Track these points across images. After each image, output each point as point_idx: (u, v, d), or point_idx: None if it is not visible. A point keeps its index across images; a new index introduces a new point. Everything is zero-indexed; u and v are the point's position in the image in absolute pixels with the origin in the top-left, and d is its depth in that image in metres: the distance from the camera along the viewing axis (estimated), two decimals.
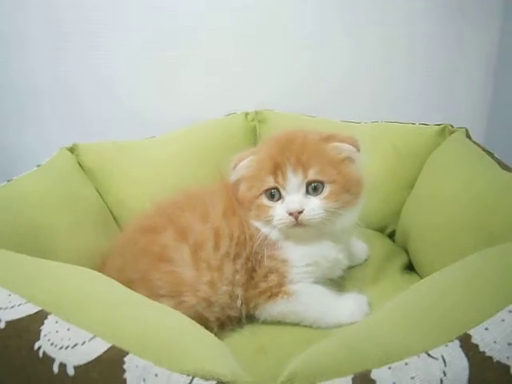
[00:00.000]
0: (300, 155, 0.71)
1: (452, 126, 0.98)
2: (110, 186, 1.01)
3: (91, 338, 0.39)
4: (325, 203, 0.71)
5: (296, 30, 1.26)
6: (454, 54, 1.25)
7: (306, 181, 0.71)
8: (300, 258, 0.73)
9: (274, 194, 0.73)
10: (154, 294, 0.66)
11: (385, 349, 0.37)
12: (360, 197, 0.76)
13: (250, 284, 0.72)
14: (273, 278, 0.72)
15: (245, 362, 0.62)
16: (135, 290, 0.57)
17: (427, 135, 0.99)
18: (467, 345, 0.37)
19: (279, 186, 0.72)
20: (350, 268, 0.86)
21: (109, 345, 0.38)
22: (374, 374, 0.35)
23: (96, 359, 0.37)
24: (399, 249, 0.96)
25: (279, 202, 0.73)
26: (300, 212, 0.69)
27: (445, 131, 0.98)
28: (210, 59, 1.28)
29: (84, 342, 0.39)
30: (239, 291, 0.72)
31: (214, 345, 0.43)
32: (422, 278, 0.84)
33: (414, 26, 1.24)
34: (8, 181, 0.80)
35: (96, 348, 0.38)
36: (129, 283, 0.60)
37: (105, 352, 0.38)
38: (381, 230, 1.04)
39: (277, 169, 0.72)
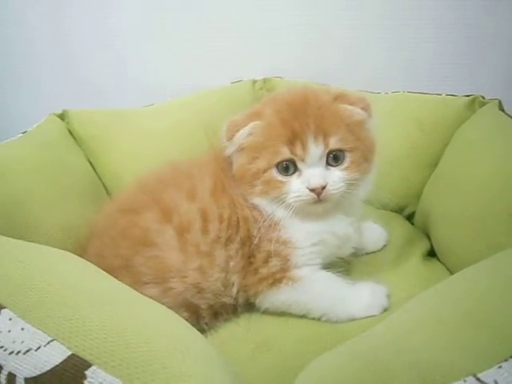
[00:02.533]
0: (320, 120, 0.61)
1: (483, 98, 0.87)
2: (102, 157, 0.92)
3: (48, 343, 0.31)
4: (346, 174, 0.63)
5: None
6: (483, 15, 1.12)
7: (327, 150, 0.62)
8: (305, 238, 0.64)
9: (287, 167, 0.62)
10: (138, 282, 0.59)
11: (422, 370, 0.28)
12: (373, 163, 0.68)
13: (248, 270, 0.64)
14: (275, 262, 0.63)
15: (243, 360, 0.56)
16: (117, 278, 0.50)
17: (455, 107, 0.88)
18: None
19: (296, 159, 0.62)
20: (367, 254, 0.78)
21: (68, 352, 0.30)
22: None
23: (51, 370, 0.30)
24: (420, 233, 0.86)
25: (294, 175, 0.63)
26: (323, 187, 0.60)
27: (475, 103, 0.87)
28: (215, 24, 1.19)
29: (39, 347, 0.31)
30: (235, 278, 0.64)
31: (202, 355, 0.35)
32: (445, 265, 0.75)
33: None
34: None
35: (52, 356, 0.30)
36: (110, 270, 0.53)
37: (62, 362, 0.30)
38: (399, 211, 0.95)
39: (294, 138, 0.61)
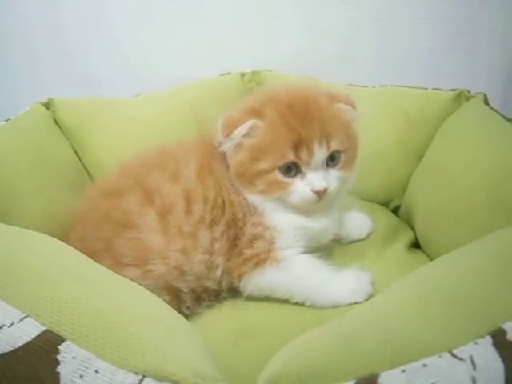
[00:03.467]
0: (323, 125, 0.63)
1: (469, 92, 0.88)
2: (88, 146, 0.91)
3: (22, 319, 0.31)
4: (341, 173, 0.66)
5: None
6: (477, 10, 1.12)
7: (329, 153, 0.64)
8: (287, 225, 0.66)
9: (290, 169, 0.64)
10: (118, 263, 0.59)
11: (396, 346, 0.28)
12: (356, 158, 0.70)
13: (233, 252, 0.65)
14: (259, 244, 0.64)
15: (226, 347, 0.56)
16: (98, 261, 0.50)
17: (441, 101, 0.89)
18: (502, 342, 0.29)
19: (300, 162, 0.63)
20: (352, 243, 0.78)
21: (42, 328, 0.30)
22: (383, 379, 0.27)
23: (24, 346, 0.29)
24: (404, 224, 0.87)
25: (297, 177, 0.64)
26: (326, 189, 0.63)
27: (460, 97, 0.88)
28: (205, 14, 1.17)
29: (12, 324, 0.31)
30: (220, 261, 0.64)
31: (178, 332, 0.34)
32: (429, 256, 0.76)
33: None
34: None
35: (26, 331, 0.30)
36: (91, 254, 0.53)
37: (36, 337, 0.29)
38: (385, 203, 0.96)
39: (301, 144, 0.62)
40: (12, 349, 0.29)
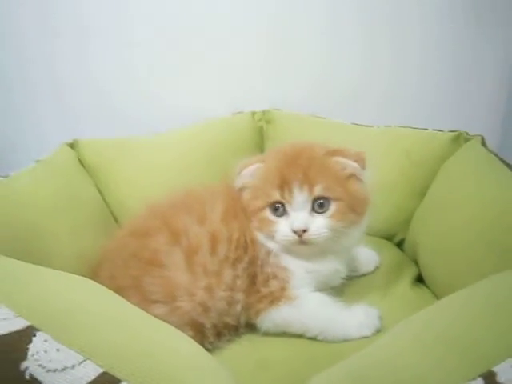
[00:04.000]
0: (307, 170, 0.69)
1: (467, 133, 0.94)
2: (110, 185, 0.97)
3: (82, 361, 0.36)
4: (330, 222, 0.69)
5: (308, 30, 1.22)
6: (468, 59, 1.21)
7: (312, 197, 0.69)
8: (300, 267, 0.71)
9: (278, 209, 0.71)
10: (147, 300, 0.64)
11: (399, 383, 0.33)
12: (365, 216, 0.74)
13: (251, 289, 0.70)
14: (274, 283, 0.70)
15: (245, 377, 0.60)
16: (126, 298, 0.54)
17: (441, 142, 0.95)
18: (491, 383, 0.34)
19: (284, 202, 0.70)
20: (358, 277, 0.83)
21: (100, 370, 0.35)
22: None
23: None
24: (408, 259, 0.92)
25: (284, 217, 0.71)
26: (305, 230, 0.68)
27: (460, 138, 0.94)
28: (218, 55, 1.25)
29: (74, 366, 0.36)
30: (240, 296, 0.69)
31: (215, 374, 0.40)
32: (432, 291, 0.81)
33: (428, 30, 1.20)
34: (5, 177, 0.77)
35: (86, 373, 0.35)
36: (120, 290, 0.57)
37: (96, 378, 0.35)
38: (389, 238, 1.01)
39: (283, 183, 0.69)
40: None
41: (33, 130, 1.33)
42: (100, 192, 0.96)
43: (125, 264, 0.68)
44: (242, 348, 0.67)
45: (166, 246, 0.68)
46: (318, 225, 0.68)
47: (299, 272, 0.70)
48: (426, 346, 0.39)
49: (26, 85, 1.29)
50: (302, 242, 0.68)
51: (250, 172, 0.75)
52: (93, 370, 0.35)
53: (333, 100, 1.25)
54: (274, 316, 0.68)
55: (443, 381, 0.34)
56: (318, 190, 0.68)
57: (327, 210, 0.69)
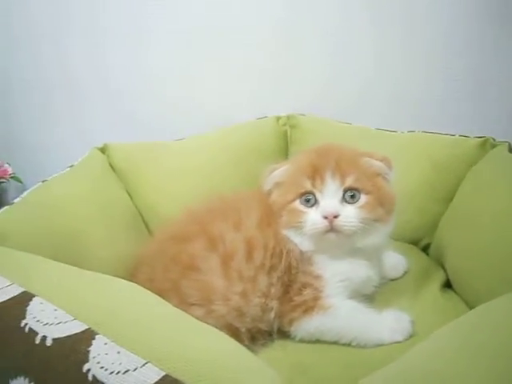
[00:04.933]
0: (339, 161, 0.72)
1: (494, 140, 0.94)
2: (140, 189, 0.99)
3: (143, 364, 0.38)
4: (360, 212, 0.70)
5: (328, 34, 1.23)
6: (489, 61, 1.20)
7: (343, 187, 0.71)
8: (333, 274, 0.72)
9: (309, 199, 0.72)
10: (185, 303, 0.65)
11: None
12: (392, 215, 0.75)
13: (285, 298, 0.71)
14: (308, 292, 0.71)
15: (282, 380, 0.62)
16: (166, 300, 0.55)
17: (467, 147, 0.95)
18: None
19: (316, 191, 0.71)
20: (387, 283, 0.84)
21: (162, 373, 0.37)
22: None
23: None
24: (436, 264, 0.92)
25: (314, 207, 0.71)
26: (335, 216, 0.68)
27: (486, 144, 0.94)
28: (241, 60, 1.27)
29: (136, 368, 0.37)
30: (274, 304, 0.70)
31: (267, 375, 0.41)
32: (460, 296, 0.81)
33: (451, 33, 1.19)
34: (42, 181, 0.79)
35: (149, 376, 0.36)
36: (160, 293, 0.58)
37: (158, 381, 0.36)
38: (414, 242, 1.01)
39: (315, 172, 0.71)
40: None
41: (49, 131, 1.35)
42: (130, 195, 0.98)
43: (164, 267, 0.71)
44: (275, 353, 0.69)
45: (204, 251, 0.70)
46: (348, 213, 0.69)
47: (333, 281, 0.71)
48: (471, 356, 0.40)
49: (41, 87, 1.34)
50: (332, 230, 0.69)
51: (279, 173, 0.77)
52: (155, 373, 0.37)
53: (350, 102, 1.26)
54: (307, 325, 0.69)
55: None
56: (350, 181, 0.70)
57: (357, 201, 0.71)
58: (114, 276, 0.67)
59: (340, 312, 0.69)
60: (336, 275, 0.72)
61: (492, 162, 0.89)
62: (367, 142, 1.08)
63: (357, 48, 1.23)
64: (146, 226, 0.98)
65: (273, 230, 0.73)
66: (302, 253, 0.72)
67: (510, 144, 0.91)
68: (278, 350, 0.69)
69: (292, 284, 0.71)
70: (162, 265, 0.71)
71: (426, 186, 0.99)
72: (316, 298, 0.70)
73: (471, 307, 0.75)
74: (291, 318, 0.70)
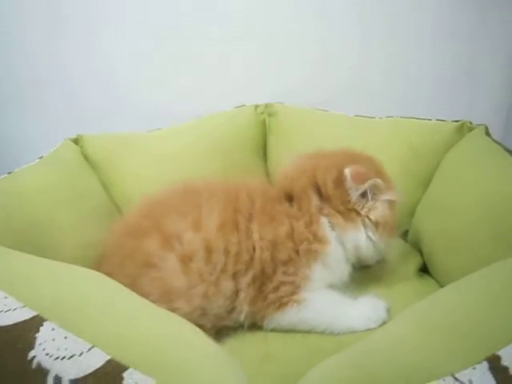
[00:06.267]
0: None
1: (471, 123, 0.93)
2: (114, 180, 0.97)
3: (89, 349, 0.36)
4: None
5: (308, 21, 1.21)
6: (469, 48, 1.20)
7: None
8: (321, 276, 0.71)
9: None
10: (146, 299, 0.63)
11: (407, 371, 0.33)
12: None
13: (258, 297, 0.68)
14: (285, 288, 0.68)
15: (250, 369, 0.60)
16: None
17: (444, 132, 0.94)
18: (496, 367, 0.34)
19: None
20: (364, 268, 0.82)
21: (107, 357, 0.35)
22: None
23: (93, 373, 0.35)
24: (413, 250, 0.92)
25: None
26: None
27: (463, 128, 0.93)
28: (219, 50, 1.25)
29: (82, 353, 0.36)
30: (244, 307, 0.68)
31: (222, 362, 0.40)
32: (437, 281, 0.81)
33: (430, 17, 1.19)
34: (8, 173, 0.77)
35: (94, 360, 0.35)
36: None
37: (102, 365, 0.35)
38: None
39: None
40: (83, 375, 0.35)
41: (41, 125, 1.32)
42: (105, 187, 0.96)
43: (121, 263, 0.68)
44: (245, 342, 0.67)
45: (159, 249, 0.66)
46: None
47: (318, 280, 0.70)
48: (427, 331, 0.39)
49: (33, 79, 1.28)
50: None
51: (378, 185, 0.73)
52: (100, 357, 0.36)
53: (333, 92, 1.25)
54: (281, 319, 0.68)
55: (446, 364, 0.34)
56: None
57: None
58: (84, 265, 0.67)
59: (314, 304, 0.68)
60: (323, 277, 0.71)
61: (467, 145, 0.88)
62: (345, 129, 1.07)
63: (338, 36, 1.22)
64: (122, 216, 0.96)
65: (238, 236, 0.68)
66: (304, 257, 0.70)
67: (486, 127, 0.90)
68: (247, 340, 0.68)
69: (267, 283, 0.68)
70: (119, 260, 0.68)
71: (405, 172, 0.98)
72: (292, 293, 0.68)
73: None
74: (264, 315, 0.68)
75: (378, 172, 0.76)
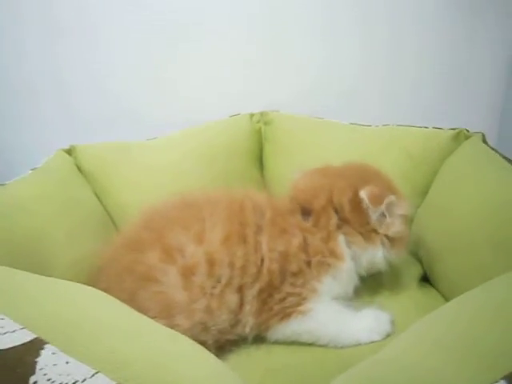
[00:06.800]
0: None
1: (467, 131, 0.93)
2: (109, 190, 0.96)
3: (93, 375, 0.35)
4: None
5: (305, 31, 1.21)
6: (465, 56, 1.21)
7: None
8: (329, 289, 0.70)
9: None
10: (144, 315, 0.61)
11: None
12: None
13: (263, 309, 0.67)
14: (291, 299, 0.67)
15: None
16: None
17: (441, 139, 0.94)
18: None
19: None
20: (365, 278, 0.82)
21: (113, 383, 0.34)
22: None
23: None
24: (412, 258, 0.91)
25: None
26: None
27: (460, 136, 0.93)
28: (215, 59, 1.24)
29: (84, 380, 0.35)
30: (249, 319, 0.66)
31: (224, 378, 0.39)
32: (438, 290, 0.80)
33: (425, 27, 1.20)
34: (1, 185, 0.76)
35: None
36: None
37: None
38: None
39: None
40: None
41: (36, 134, 1.29)
42: (98, 197, 0.95)
43: (119, 277, 0.66)
44: (248, 355, 0.66)
45: (160, 262, 0.65)
46: None
47: (325, 293, 0.69)
48: (447, 349, 0.38)
49: (28, 88, 1.26)
50: None
51: (395, 203, 0.74)
52: (104, 383, 0.34)
53: (328, 100, 1.24)
54: (284, 330, 0.67)
55: (459, 381, 0.33)
56: None
57: None
58: (78, 277, 0.65)
59: (318, 315, 0.67)
60: (331, 290, 0.70)
61: (465, 153, 0.88)
62: (341, 138, 1.07)
63: (335, 45, 1.22)
64: (117, 228, 0.94)
65: (245, 249, 0.67)
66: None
67: (483, 135, 0.90)
68: (250, 354, 0.66)
69: (273, 295, 0.67)
70: (117, 274, 0.66)
71: (403, 180, 0.97)
72: (297, 304, 0.67)
73: (447, 298, 0.74)
74: (268, 325, 0.67)
75: (390, 187, 0.77)
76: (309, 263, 0.69)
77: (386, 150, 1.00)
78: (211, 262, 0.65)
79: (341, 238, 0.72)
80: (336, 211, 0.73)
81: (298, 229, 0.70)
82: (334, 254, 0.69)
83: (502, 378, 0.34)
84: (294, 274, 0.67)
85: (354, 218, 0.72)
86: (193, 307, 0.63)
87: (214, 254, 0.65)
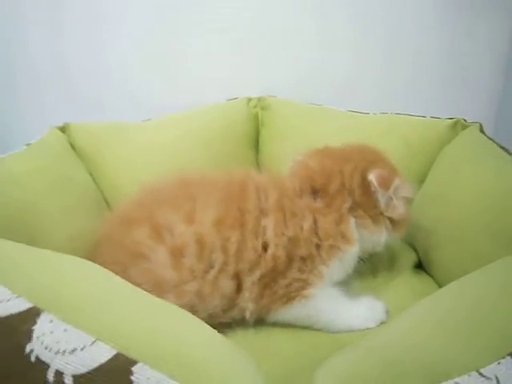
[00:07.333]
0: None
1: (465, 120, 0.93)
2: (103, 169, 0.94)
3: (92, 343, 0.34)
4: None
5: (304, 16, 1.20)
6: (462, 46, 1.20)
7: None
8: (332, 273, 0.69)
9: None
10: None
11: (431, 365, 0.32)
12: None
13: (265, 293, 0.65)
14: (296, 285, 0.66)
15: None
16: None
17: (439, 129, 0.94)
18: None
19: None
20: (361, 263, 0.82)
21: (114, 351, 0.33)
22: None
23: (98, 368, 0.32)
24: (407, 246, 0.91)
25: None
26: None
27: (457, 125, 0.93)
28: (214, 42, 1.22)
29: (84, 347, 0.34)
30: (249, 305, 0.65)
31: (235, 357, 0.38)
32: (433, 278, 0.80)
33: (423, 17, 1.19)
34: None
35: (98, 355, 0.33)
36: None
37: (108, 360, 0.32)
38: None
39: None
40: (87, 370, 0.32)
41: (35, 113, 1.27)
42: (92, 175, 0.93)
43: (112, 250, 0.65)
44: (243, 336, 0.66)
45: (149, 239, 0.63)
46: None
47: (328, 277, 0.68)
48: (452, 329, 0.38)
49: (29, 68, 1.24)
50: None
51: (400, 186, 0.74)
52: (105, 351, 0.33)
53: (326, 87, 1.23)
54: (285, 313, 0.66)
55: (474, 360, 0.33)
56: None
57: None
58: (71, 252, 0.64)
59: (318, 300, 0.67)
60: (334, 274, 0.70)
61: (462, 142, 0.88)
62: (339, 124, 1.07)
63: (334, 31, 1.20)
64: (109, 206, 0.93)
65: (240, 234, 0.64)
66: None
67: (481, 124, 0.90)
68: (245, 335, 0.66)
69: (278, 280, 0.65)
70: (110, 247, 0.66)
71: (401, 167, 0.97)
72: (301, 289, 0.66)
73: (442, 286, 0.74)
74: (270, 309, 0.66)
75: (394, 169, 0.76)
76: (318, 246, 0.67)
77: (383, 138, 0.99)
78: (201, 244, 0.63)
79: (352, 221, 0.71)
80: (349, 194, 0.72)
81: (308, 210, 0.68)
82: (345, 237, 0.68)
83: (508, 354, 0.34)
84: (303, 259, 0.66)
85: (364, 201, 0.71)
86: (183, 288, 0.62)
87: (204, 235, 0.63)
